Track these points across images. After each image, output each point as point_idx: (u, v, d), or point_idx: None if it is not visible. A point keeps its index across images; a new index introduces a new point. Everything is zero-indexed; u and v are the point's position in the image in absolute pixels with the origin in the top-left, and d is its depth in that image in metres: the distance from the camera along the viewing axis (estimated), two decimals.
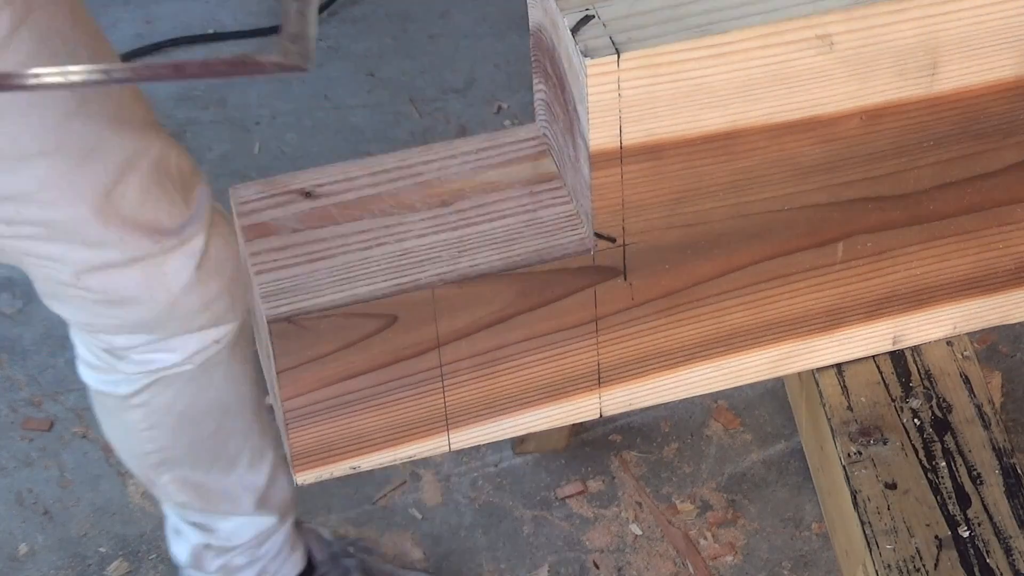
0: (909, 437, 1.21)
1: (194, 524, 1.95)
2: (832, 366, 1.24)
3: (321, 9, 3.19)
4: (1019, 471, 1.19)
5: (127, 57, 3.08)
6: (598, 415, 1.19)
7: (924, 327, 1.23)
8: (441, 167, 1.17)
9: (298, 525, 2.07)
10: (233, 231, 1.62)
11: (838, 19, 1.04)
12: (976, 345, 1.23)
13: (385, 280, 1.09)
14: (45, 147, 1.47)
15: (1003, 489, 1.18)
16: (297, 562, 2.05)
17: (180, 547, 2.01)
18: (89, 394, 1.80)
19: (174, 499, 1.88)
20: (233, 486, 1.89)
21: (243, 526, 1.95)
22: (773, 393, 2.40)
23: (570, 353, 1.14)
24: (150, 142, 1.54)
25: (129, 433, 1.79)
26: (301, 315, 1.07)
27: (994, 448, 1.20)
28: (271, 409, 1.89)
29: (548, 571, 2.21)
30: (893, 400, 1.23)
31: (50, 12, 1.46)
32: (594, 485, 2.31)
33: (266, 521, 1.95)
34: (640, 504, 2.29)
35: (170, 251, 1.55)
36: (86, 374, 1.76)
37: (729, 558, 2.22)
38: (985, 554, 1.14)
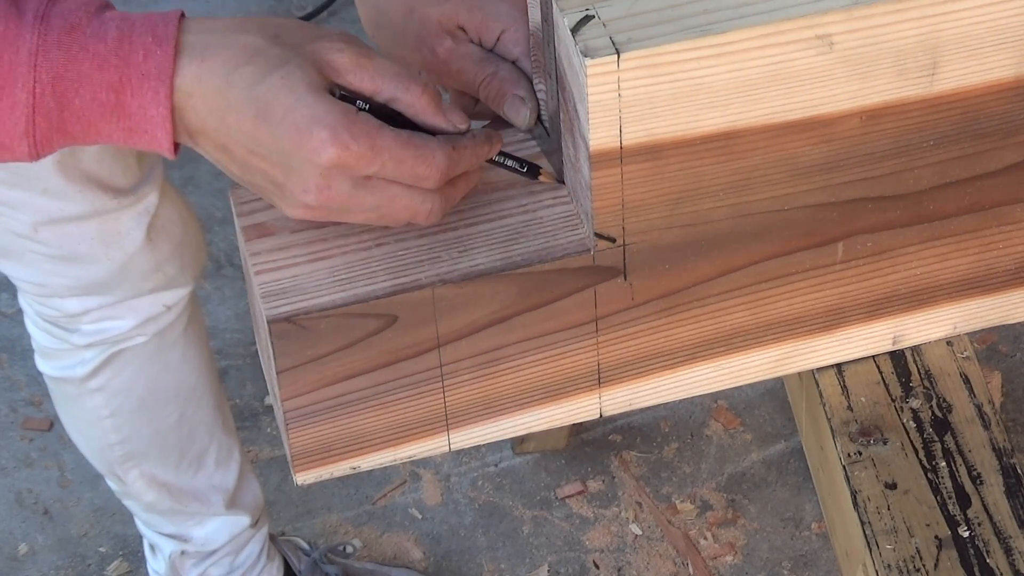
0: (909, 437, 1.21)
1: (168, 535, 1.96)
2: (832, 366, 1.24)
3: (321, 9, 3.19)
4: (1019, 471, 1.19)
5: None
6: (598, 415, 1.19)
7: (924, 327, 1.23)
8: None
9: (273, 539, 2.08)
10: (180, 197, 1.66)
11: (838, 19, 1.04)
12: (976, 345, 1.23)
13: (385, 280, 1.09)
14: None
15: (1003, 489, 1.18)
16: (274, 572, 2.07)
17: (157, 562, 2.03)
18: (49, 388, 1.80)
19: (143, 498, 1.88)
20: (202, 485, 1.90)
21: (217, 529, 1.96)
22: (773, 393, 2.40)
23: (570, 353, 1.14)
24: None
25: (91, 424, 1.80)
26: (301, 315, 1.07)
27: (994, 448, 1.20)
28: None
29: (548, 571, 2.21)
30: (893, 400, 1.23)
31: None
32: (594, 485, 2.31)
33: (239, 521, 1.96)
34: (640, 504, 2.29)
35: (125, 208, 1.58)
36: (41, 363, 1.77)
37: (729, 558, 2.22)
38: (985, 554, 1.14)
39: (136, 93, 1.01)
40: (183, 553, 1.97)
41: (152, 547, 2.02)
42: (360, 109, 1.03)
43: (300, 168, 1.01)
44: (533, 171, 1.13)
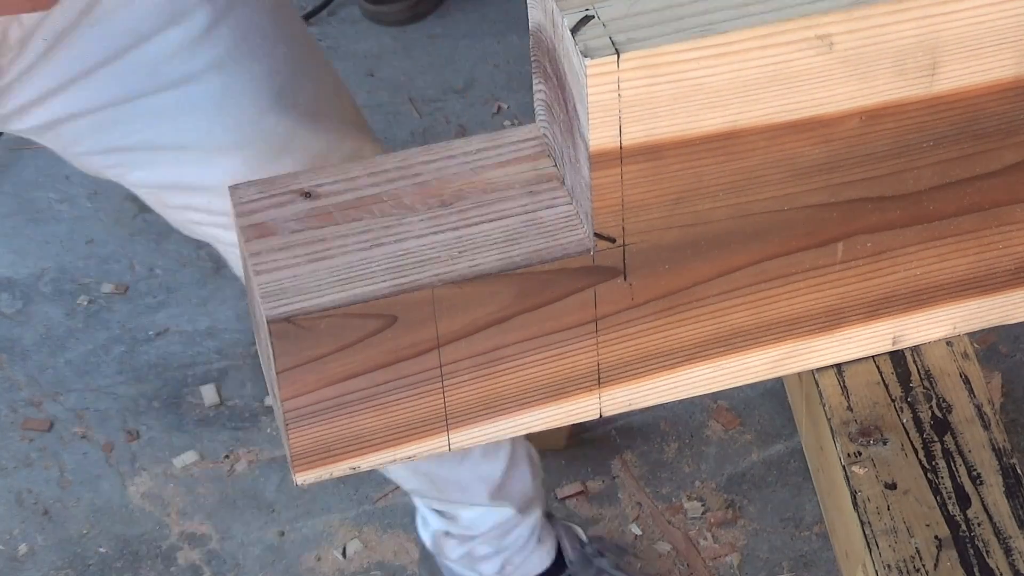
0: (909, 437, 1.21)
1: (435, 511, 1.95)
2: (832, 366, 1.24)
3: (320, 8, 3.19)
4: (1019, 471, 1.19)
5: None
6: (598, 415, 1.19)
7: (924, 327, 1.23)
8: (441, 167, 1.16)
9: (550, 519, 2.04)
10: None
11: (838, 19, 1.04)
12: (976, 345, 1.23)
13: (385, 280, 1.09)
14: (239, 141, 1.47)
15: (1003, 489, 1.18)
16: (544, 556, 2.02)
17: (425, 534, 2.01)
18: None
19: (407, 484, 1.88)
20: (466, 476, 1.87)
21: (481, 516, 1.93)
22: (773, 393, 2.40)
23: (570, 353, 1.14)
24: (343, 137, 1.54)
25: None
26: (301, 315, 1.07)
27: (994, 448, 1.20)
28: None
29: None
30: (893, 400, 1.23)
31: (252, 8, 1.46)
32: (594, 485, 2.31)
33: (502, 512, 1.93)
34: (640, 504, 2.29)
35: None
36: None
37: (729, 558, 2.22)
38: (985, 554, 1.14)
39: None
40: (447, 533, 1.95)
41: (423, 519, 2.00)
42: None
43: None
44: None
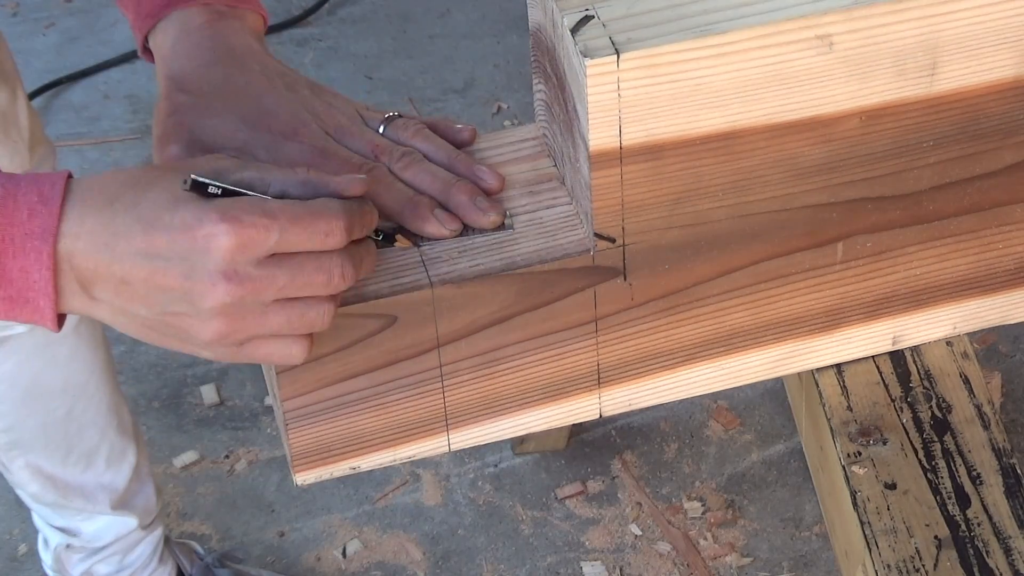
0: (909, 437, 1.21)
1: (58, 528, 1.97)
2: (832, 366, 1.24)
3: (319, 6, 3.19)
4: (1018, 471, 1.19)
5: (128, 58, 3.08)
6: (598, 415, 1.19)
7: (924, 327, 1.23)
8: None
9: (168, 542, 2.09)
10: None
11: (838, 19, 1.04)
12: (976, 345, 1.23)
13: (385, 280, 1.09)
14: None
15: (1003, 489, 1.18)
16: (166, 575, 2.07)
17: (47, 555, 2.04)
18: None
19: (27, 488, 1.90)
20: (90, 483, 1.91)
21: (105, 527, 1.97)
22: (773, 393, 2.40)
23: (570, 353, 1.15)
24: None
25: None
26: None
27: (994, 448, 1.20)
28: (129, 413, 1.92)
29: (548, 571, 2.21)
30: (893, 400, 1.23)
31: None
32: (594, 485, 2.31)
33: (126, 523, 1.97)
34: (640, 504, 2.29)
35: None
36: None
37: (729, 558, 2.22)
38: (985, 554, 1.14)
39: (18, 254, 0.96)
40: (68, 547, 1.99)
41: (45, 540, 2.03)
42: None
43: (202, 263, 0.96)
44: (388, 240, 1.10)
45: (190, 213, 0.96)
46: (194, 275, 0.97)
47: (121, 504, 1.95)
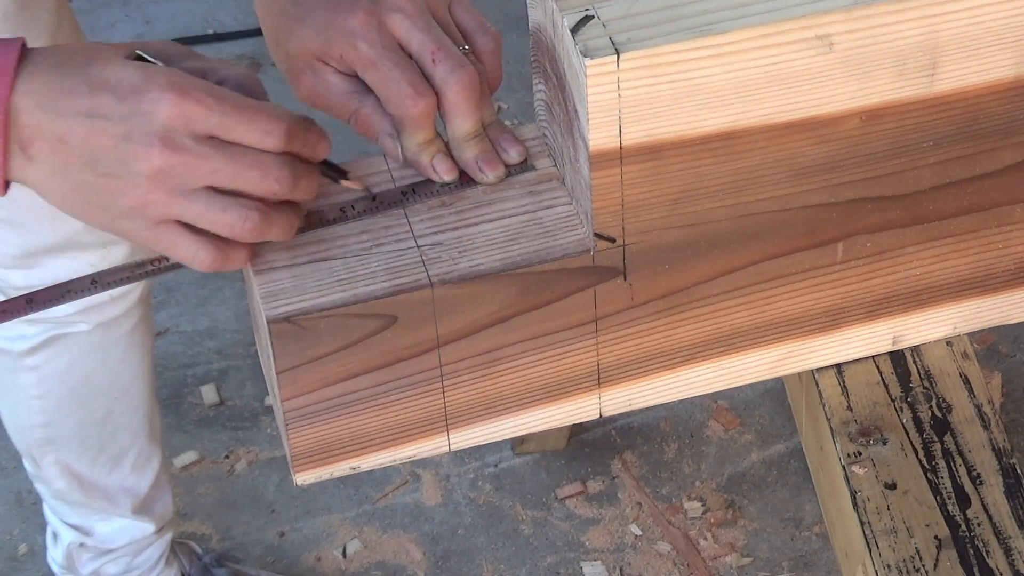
0: (909, 437, 1.21)
1: (71, 526, 1.97)
2: (832, 366, 1.24)
3: None
4: (1019, 471, 1.19)
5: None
6: (598, 415, 1.19)
7: (924, 327, 1.23)
8: None
9: (174, 546, 2.09)
10: None
11: (838, 19, 1.04)
12: (976, 345, 1.23)
13: (385, 280, 1.09)
14: None
15: (1003, 489, 1.18)
16: None
17: (57, 551, 2.04)
18: None
19: (53, 484, 1.89)
20: (114, 485, 1.91)
21: (120, 529, 1.97)
22: (773, 393, 2.40)
23: (570, 353, 1.15)
24: None
25: (20, 401, 1.80)
26: (301, 315, 1.07)
27: (994, 448, 1.20)
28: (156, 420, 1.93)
29: (548, 571, 2.21)
30: (893, 400, 1.23)
31: None
32: (594, 485, 2.31)
33: (142, 528, 1.98)
34: (640, 504, 2.29)
35: None
36: None
37: (729, 558, 2.22)
38: (985, 554, 1.14)
39: None
40: (81, 545, 1.99)
41: (55, 535, 2.03)
42: None
43: (141, 126, 0.98)
44: (338, 173, 1.11)
45: (138, 78, 0.99)
46: (132, 136, 0.98)
47: (141, 509, 1.95)
